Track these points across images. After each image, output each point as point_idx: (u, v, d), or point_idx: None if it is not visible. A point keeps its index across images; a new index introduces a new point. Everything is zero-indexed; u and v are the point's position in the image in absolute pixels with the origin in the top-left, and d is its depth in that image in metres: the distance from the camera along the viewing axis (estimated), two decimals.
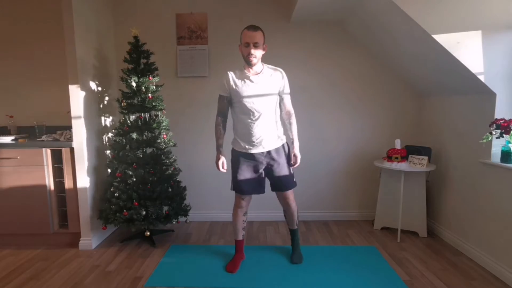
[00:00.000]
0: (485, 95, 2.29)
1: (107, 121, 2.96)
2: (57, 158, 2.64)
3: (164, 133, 2.70)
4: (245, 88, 2.12)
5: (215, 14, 3.06)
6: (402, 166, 2.71)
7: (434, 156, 2.90)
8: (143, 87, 2.59)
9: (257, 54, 2.07)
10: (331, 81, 3.12)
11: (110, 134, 2.98)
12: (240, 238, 2.38)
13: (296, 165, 2.25)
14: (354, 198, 3.26)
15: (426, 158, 2.69)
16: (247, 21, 3.00)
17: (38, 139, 2.68)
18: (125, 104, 2.62)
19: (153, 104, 2.62)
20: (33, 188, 2.59)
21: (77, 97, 2.52)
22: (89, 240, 2.65)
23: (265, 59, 2.21)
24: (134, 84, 2.57)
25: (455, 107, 2.66)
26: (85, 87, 2.60)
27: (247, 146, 2.17)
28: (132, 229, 2.74)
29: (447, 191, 2.75)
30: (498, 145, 2.23)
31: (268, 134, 2.16)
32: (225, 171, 2.24)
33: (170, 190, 2.67)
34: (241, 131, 2.18)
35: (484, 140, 2.19)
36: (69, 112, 2.56)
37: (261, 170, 2.22)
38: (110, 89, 3.01)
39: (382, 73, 3.11)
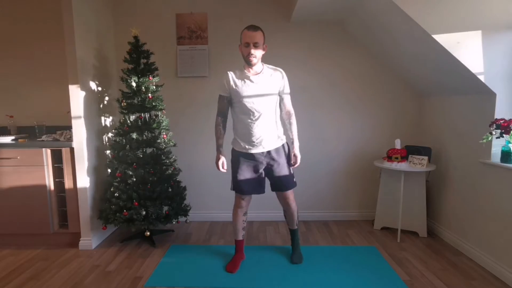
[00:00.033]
0: (485, 95, 2.29)
1: (107, 121, 2.96)
2: (57, 158, 2.64)
3: (164, 133, 2.70)
4: (245, 88, 2.12)
5: (215, 14, 3.06)
6: (402, 166, 2.71)
7: (434, 156, 2.90)
8: (143, 87, 2.59)
9: (257, 54, 2.07)
10: (331, 81, 3.12)
11: (110, 134, 2.98)
12: (240, 238, 2.38)
13: (296, 165, 2.25)
14: (354, 198, 3.26)
15: (426, 158, 2.69)
16: (247, 21, 3.00)
17: (38, 139, 2.68)
18: (125, 104, 2.62)
19: (153, 104, 2.63)
20: (33, 188, 2.59)
21: (77, 97, 2.52)
22: (89, 240, 2.65)
23: (265, 59, 2.22)
24: (134, 84, 2.57)
25: (455, 107, 2.66)
26: (85, 87, 2.60)
27: (247, 146, 2.17)
28: (132, 229, 2.74)
29: (447, 191, 2.75)
30: (498, 145, 2.23)
31: (268, 134, 2.16)
32: (225, 171, 2.24)
33: (170, 190, 2.67)
34: (241, 131, 2.18)
35: (484, 140, 2.19)
36: (69, 112, 2.56)
37: (261, 170, 2.22)
38: (110, 89, 3.01)
39: (382, 73, 3.12)
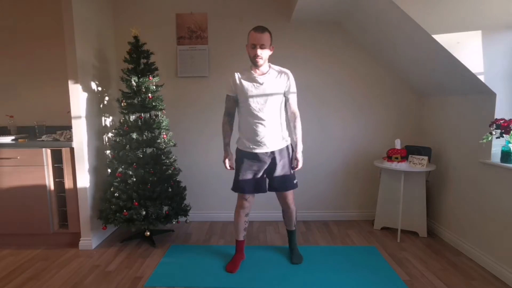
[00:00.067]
0: (485, 95, 2.29)
1: (107, 121, 2.96)
2: (57, 158, 2.63)
3: (164, 133, 2.70)
4: (250, 88, 2.13)
5: (215, 14, 3.06)
6: (402, 166, 2.71)
7: (434, 156, 2.90)
8: (143, 87, 2.59)
9: (264, 55, 2.09)
10: (330, 82, 3.12)
11: (110, 134, 2.98)
12: (241, 238, 2.38)
13: (296, 169, 2.26)
14: (354, 198, 3.26)
15: (426, 158, 2.69)
16: (247, 21, 3.02)
17: (38, 139, 2.68)
18: (125, 104, 2.62)
19: (153, 104, 2.63)
20: (33, 188, 2.59)
21: (77, 97, 2.52)
22: (89, 240, 2.65)
23: None
24: (134, 84, 2.57)
25: (455, 107, 2.66)
26: (85, 87, 2.60)
27: (251, 146, 2.18)
28: (132, 229, 2.74)
29: (447, 191, 2.75)
30: (498, 145, 2.23)
31: (273, 135, 2.17)
32: (232, 169, 2.28)
33: (170, 190, 2.67)
34: (246, 131, 2.19)
35: (484, 140, 2.19)
36: (69, 112, 2.56)
37: (264, 170, 2.22)
38: (110, 89, 3.01)
39: (382, 73, 3.12)
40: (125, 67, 2.65)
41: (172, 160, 2.73)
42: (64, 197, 2.66)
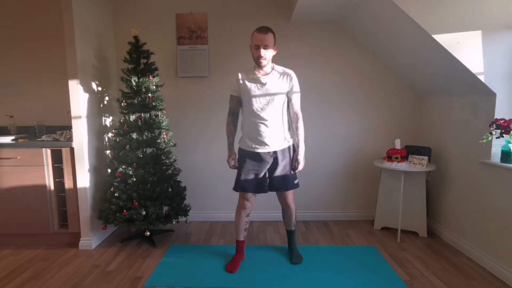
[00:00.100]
0: (485, 95, 2.29)
1: (107, 121, 2.95)
2: (57, 158, 2.63)
3: (164, 133, 2.70)
4: (253, 88, 2.14)
5: (215, 14, 3.06)
6: (402, 166, 2.71)
7: (434, 156, 2.90)
8: (143, 87, 2.59)
9: (267, 56, 2.09)
10: (330, 81, 3.12)
11: (110, 134, 2.98)
12: (242, 238, 2.38)
13: (297, 170, 2.25)
14: (354, 198, 3.26)
15: (426, 158, 2.69)
16: (247, 21, 3.02)
17: (38, 139, 2.68)
18: (125, 104, 2.62)
19: (153, 104, 2.63)
20: (33, 188, 2.59)
21: (77, 97, 2.52)
22: (89, 240, 2.65)
23: None
24: (134, 84, 2.57)
25: (455, 107, 2.66)
26: (85, 87, 2.60)
27: (254, 145, 2.19)
28: (132, 229, 2.74)
29: (447, 191, 2.75)
30: (498, 145, 2.23)
31: (275, 135, 2.17)
32: (235, 168, 2.29)
33: (170, 190, 2.67)
34: (248, 130, 2.20)
35: (484, 140, 2.19)
36: (69, 112, 2.56)
37: (266, 170, 2.22)
38: (110, 89, 3.01)
39: (381, 73, 3.11)
40: (125, 67, 2.65)
41: (172, 160, 2.73)
42: (64, 197, 2.66)
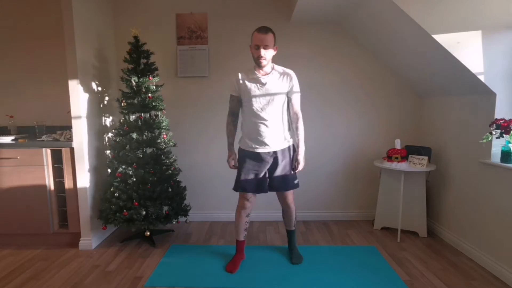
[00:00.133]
0: (485, 95, 2.29)
1: (107, 121, 2.95)
2: (57, 158, 2.63)
3: (164, 133, 2.70)
4: (253, 88, 2.14)
5: (215, 14, 3.06)
6: (402, 166, 2.71)
7: (434, 156, 2.90)
8: (143, 87, 2.59)
9: (267, 56, 2.09)
10: (330, 81, 3.12)
11: (110, 134, 2.98)
12: (242, 238, 2.38)
13: (297, 170, 2.25)
14: (354, 198, 3.26)
15: (426, 158, 2.69)
16: (247, 21, 3.02)
17: (38, 139, 2.68)
18: (125, 104, 2.62)
19: (153, 104, 2.63)
20: (33, 188, 2.59)
21: (77, 97, 2.52)
22: (89, 240, 2.65)
23: None
24: (134, 84, 2.57)
25: (455, 107, 2.66)
26: (85, 87, 2.59)
27: (253, 145, 2.19)
28: (132, 229, 2.74)
29: (447, 191, 2.75)
30: (498, 145, 2.23)
31: (275, 135, 2.17)
32: (235, 168, 2.29)
33: (170, 190, 2.67)
34: (248, 130, 2.20)
35: (484, 140, 2.19)
36: (69, 112, 2.56)
37: (266, 170, 2.22)
38: (110, 89, 3.01)
39: (381, 73, 3.11)
40: (125, 67, 2.65)
41: (172, 160, 2.73)
42: (64, 197, 2.66)
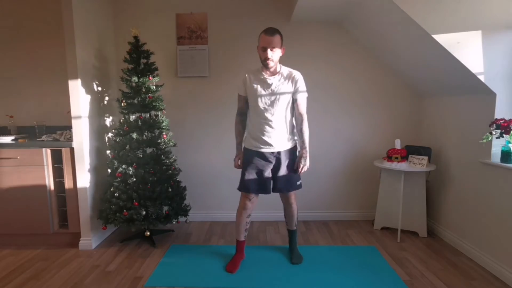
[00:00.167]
0: (485, 95, 2.29)
1: (107, 121, 2.95)
2: (57, 158, 2.63)
3: (164, 133, 2.70)
4: (259, 88, 2.16)
5: (215, 14, 3.06)
6: (402, 166, 2.71)
7: (434, 156, 2.90)
8: (143, 87, 2.59)
9: (275, 58, 2.10)
10: (330, 81, 3.12)
11: (110, 134, 2.98)
12: (242, 238, 2.38)
13: (300, 172, 2.24)
14: (354, 198, 3.26)
15: (426, 158, 2.69)
16: (247, 21, 3.02)
17: (38, 139, 2.68)
18: (125, 104, 2.62)
19: (153, 104, 2.63)
20: (33, 188, 2.59)
21: (77, 97, 2.52)
22: (89, 240, 2.65)
23: None
24: (134, 84, 2.57)
25: (455, 107, 2.66)
26: (85, 87, 2.59)
27: (258, 145, 2.20)
28: (132, 229, 2.74)
29: (447, 191, 2.75)
30: (498, 145, 2.23)
31: (280, 135, 2.18)
32: (240, 167, 2.31)
33: (170, 190, 2.67)
34: (253, 130, 2.22)
35: (484, 140, 2.19)
36: (69, 112, 2.56)
37: (269, 170, 2.23)
38: (110, 89, 3.01)
39: (382, 73, 3.11)
40: (125, 67, 2.65)
41: (172, 160, 2.73)
42: (64, 197, 2.66)
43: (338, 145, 3.18)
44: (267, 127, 2.16)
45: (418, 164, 2.70)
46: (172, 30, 3.08)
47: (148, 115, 2.66)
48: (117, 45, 3.08)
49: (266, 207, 3.12)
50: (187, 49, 3.08)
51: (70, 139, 2.62)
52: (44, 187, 2.59)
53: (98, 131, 2.79)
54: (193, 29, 3.07)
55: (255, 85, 2.17)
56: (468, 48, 2.18)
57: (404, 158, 2.79)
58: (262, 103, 2.15)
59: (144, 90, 2.59)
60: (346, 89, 3.12)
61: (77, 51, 2.48)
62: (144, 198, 2.53)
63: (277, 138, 2.18)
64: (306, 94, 2.21)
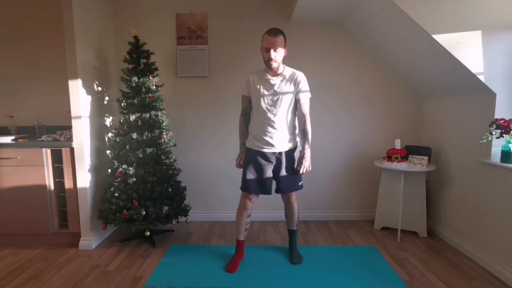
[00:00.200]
0: (485, 95, 2.29)
1: (107, 121, 2.95)
2: (57, 158, 2.63)
3: (164, 133, 2.70)
4: (262, 89, 2.16)
5: (215, 14, 3.06)
6: (402, 166, 2.71)
7: (434, 156, 2.90)
8: (143, 87, 2.59)
9: (278, 58, 2.10)
10: (330, 81, 3.11)
11: (110, 134, 2.98)
12: (242, 238, 2.38)
13: (303, 172, 2.23)
14: (354, 198, 3.26)
15: (426, 158, 2.69)
16: (247, 21, 3.03)
17: (38, 139, 2.68)
18: (125, 104, 2.62)
19: (153, 104, 2.63)
20: (33, 188, 2.59)
21: (77, 97, 2.52)
22: (89, 240, 2.64)
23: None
24: (134, 84, 2.57)
25: (455, 107, 2.66)
26: (85, 87, 2.59)
27: (260, 145, 2.20)
28: (132, 229, 2.74)
29: (447, 191, 2.75)
30: (498, 145, 2.23)
31: (282, 136, 2.19)
32: (241, 167, 2.32)
33: (170, 190, 2.67)
34: (256, 130, 2.22)
35: (484, 140, 2.19)
36: (69, 112, 2.56)
37: (270, 170, 2.23)
38: (110, 89, 3.01)
39: (382, 73, 3.11)
40: (125, 67, 2.65)
41: (172, 160, 2.73)
42: (64, 197, 2.66)
43: (339, 146, 3.18)
44: (269, 128, 2.16)
45: (418, 164, 2.70)
46: (172, 30, 3.08)
47: (148, 115, 2.66)
48: (117, 45, 3.08)
49: (266, 207, 3.12)
50: (187, 49, 3.08)
51: (70, 139, 2.63)
52: (44, 187, 2.59)
53: (98, 131, 2.79)
54: (193, 29, 3.07)
55: (258, 86, 2.17)
56: (468, 48, 2.18)
57: (404, 158, 2.79)
58: (264, 103, 2.16)
59: (144, 90, 2.59)
60: (346, 89, 3.13)
61: (77, 51, 2.48)
62: (144, 198, 2.53)
63: (279, 139, 2.18)
64: (309, 95, 2.21)
